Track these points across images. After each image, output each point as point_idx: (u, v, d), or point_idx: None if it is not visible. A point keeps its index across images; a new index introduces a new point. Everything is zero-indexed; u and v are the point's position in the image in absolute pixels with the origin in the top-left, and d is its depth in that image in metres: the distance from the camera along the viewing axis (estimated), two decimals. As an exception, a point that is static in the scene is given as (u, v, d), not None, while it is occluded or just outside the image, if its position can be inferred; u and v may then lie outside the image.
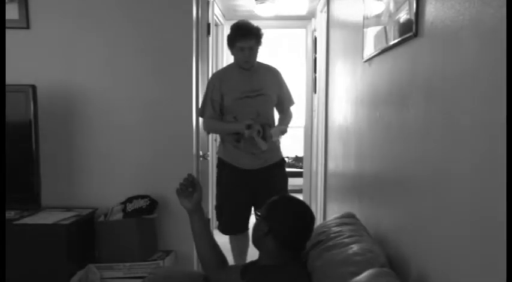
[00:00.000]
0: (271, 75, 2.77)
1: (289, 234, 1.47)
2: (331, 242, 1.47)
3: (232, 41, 2.62)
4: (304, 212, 1.51)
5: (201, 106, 2.72)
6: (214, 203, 2.90)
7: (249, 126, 2.54)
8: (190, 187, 1.63)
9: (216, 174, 2.81)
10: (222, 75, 2.77)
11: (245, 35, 2.56)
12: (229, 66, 2.83)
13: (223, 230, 2.79)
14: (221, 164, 2.76)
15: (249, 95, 2.62)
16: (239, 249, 2.80)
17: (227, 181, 2.73)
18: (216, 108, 2.65)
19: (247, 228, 2.78)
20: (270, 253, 1.48)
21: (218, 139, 3.21)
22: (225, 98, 2.63)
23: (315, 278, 1.39)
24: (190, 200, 1.62)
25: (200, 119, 2.77)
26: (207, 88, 2.71)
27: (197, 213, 1.65)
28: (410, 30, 1.24)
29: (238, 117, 2.63)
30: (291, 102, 2.87)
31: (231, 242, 2.80)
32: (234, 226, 2.76)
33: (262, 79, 2.70)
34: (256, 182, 2.66)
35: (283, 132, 2.70)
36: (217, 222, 2.91)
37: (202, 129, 2.85)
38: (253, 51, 2.62)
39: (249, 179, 2.65)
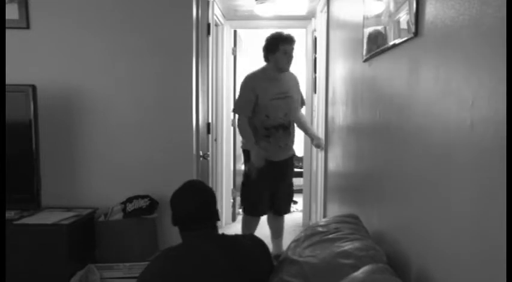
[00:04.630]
0: (293, 79, 3.15)
1: (174, 216, 1.61)
2: (334, 234, 1.49)
3: (275, 45, 2.95)
4: (177, 193, 1.65)
5: (239, 105, 3.06)
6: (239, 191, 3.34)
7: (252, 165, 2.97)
8: None
9: (245, 168, 3.15)
10: (256, 78, 3.08)
11: (290, 40, 2.94)
12: (260, 71, 3.10)
13: (249, 212, 3.20)
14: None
15: (280, 97, 2.99)
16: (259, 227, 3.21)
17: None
18: (251, 108, 2.99)
19: (265, 212, 3.24)
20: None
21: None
22: (260, 98, 2.96)
23: (310, 265, 1.40)
24: None
25: (196, 113, 2.87)
26: (244, 89, 3.03)
27: None
28: (411, 30, 1.24)
29: (270, 115, 2.99)
30: (304, 103, 3.28)
31: (252, 222, 3.19)
32: (259, 209, 3.18)
33: (288, 82, 3.06)
34: (277, 171, 3.09)
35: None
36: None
37: (202, 129, 2.92)
38: (292, 55, 2.94)
39: (272, 168, 3.04)
